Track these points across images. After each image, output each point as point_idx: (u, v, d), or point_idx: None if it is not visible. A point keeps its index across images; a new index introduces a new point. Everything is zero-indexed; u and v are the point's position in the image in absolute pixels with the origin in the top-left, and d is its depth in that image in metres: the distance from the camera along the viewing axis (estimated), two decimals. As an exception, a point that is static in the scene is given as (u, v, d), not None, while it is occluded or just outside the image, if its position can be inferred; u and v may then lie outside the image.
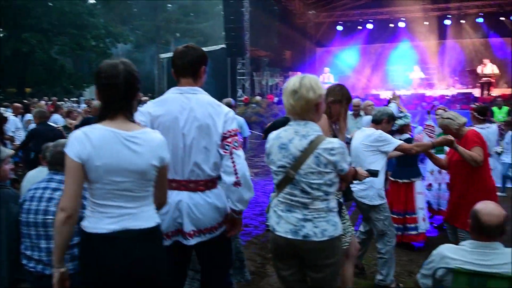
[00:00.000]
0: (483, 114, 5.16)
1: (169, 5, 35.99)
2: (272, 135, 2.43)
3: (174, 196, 2.32)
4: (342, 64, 19.61)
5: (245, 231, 5.51)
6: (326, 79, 16.06)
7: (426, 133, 4.49)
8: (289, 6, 18.62)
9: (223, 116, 2.36)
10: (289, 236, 2.30)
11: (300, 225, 2.28)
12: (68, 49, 23.26)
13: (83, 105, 14.63)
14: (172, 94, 2.39)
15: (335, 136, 2.97)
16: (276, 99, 15.01)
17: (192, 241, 2.37)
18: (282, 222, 2.33)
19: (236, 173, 2.31)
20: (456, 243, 2.60)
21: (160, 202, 2.11)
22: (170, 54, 19.34)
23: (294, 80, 2.32)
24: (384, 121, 3.91)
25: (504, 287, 2.29)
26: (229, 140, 2.34)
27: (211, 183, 2.40)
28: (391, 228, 3.89)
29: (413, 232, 4.81)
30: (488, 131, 5.04)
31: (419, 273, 2.58)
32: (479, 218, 2.31)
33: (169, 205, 2.28)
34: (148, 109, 2.39)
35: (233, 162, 2.32)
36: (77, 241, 2.07)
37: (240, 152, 2.35)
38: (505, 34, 18.21)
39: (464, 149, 3.64)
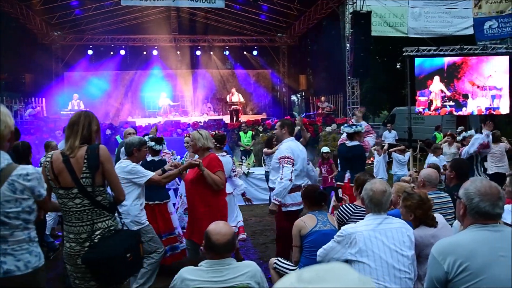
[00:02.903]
0: (221, 142, 5.36)
1: None
2: None
3: None
4: (93, 89, 18.66)
5: None
6: (75, 106, 15.06)
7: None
8: (29, 24, 16.65)
9: None
10: None
11: (0, 261, 2.14)
12: None
13: None
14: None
15: None
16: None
17: None
18: None
19: None
20: (198, 259, 2.66)
21: None
22: None
23: None
24: (135, 151, 3.95)
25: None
26: None
27: None
28: (158, 246, 4.08)
29: (178, 251, 4.93)
30: (224, 159, 5.18)
31: None
32: (210, 238, 2.42)
33: None
34: None
35: None
36: None
37: None
38: (247, 66, 21.14)
39: (210, 172, 3.92)
